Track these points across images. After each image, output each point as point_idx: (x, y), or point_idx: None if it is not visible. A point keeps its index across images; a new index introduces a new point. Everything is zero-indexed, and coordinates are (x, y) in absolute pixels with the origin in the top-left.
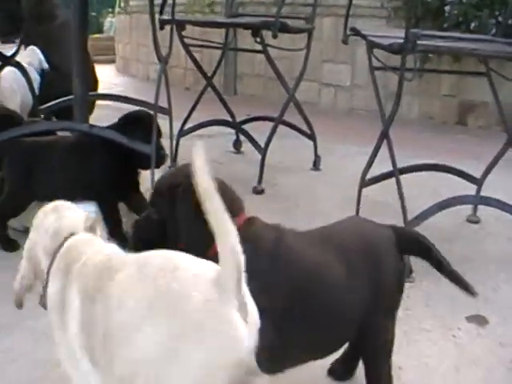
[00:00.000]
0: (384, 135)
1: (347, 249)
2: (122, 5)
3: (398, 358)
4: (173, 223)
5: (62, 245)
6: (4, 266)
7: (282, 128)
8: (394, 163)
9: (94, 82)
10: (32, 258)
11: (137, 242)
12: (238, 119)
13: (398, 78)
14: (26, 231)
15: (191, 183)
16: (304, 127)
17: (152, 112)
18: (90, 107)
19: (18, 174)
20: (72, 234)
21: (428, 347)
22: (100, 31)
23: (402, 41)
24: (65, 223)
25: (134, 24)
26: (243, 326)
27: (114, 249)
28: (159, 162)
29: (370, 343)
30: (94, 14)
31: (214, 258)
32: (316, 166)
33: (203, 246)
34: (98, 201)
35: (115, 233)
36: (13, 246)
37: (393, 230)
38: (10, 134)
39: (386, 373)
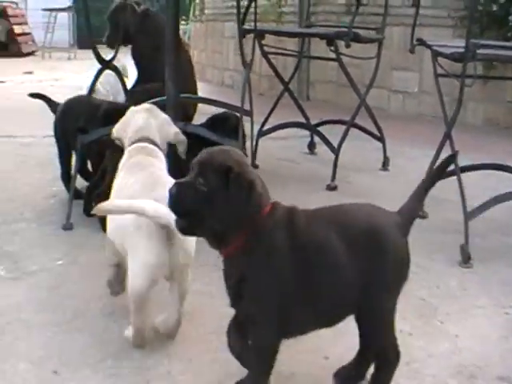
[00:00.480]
0: (447, 136)
1: (350, 226)
2: (197, 13)
3: (454, 328)
4: (223, 201)
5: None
6: None
7: (353, 131)
8: (455, 161)
9: (193, 85)
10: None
11: (177, 205)
12: (312, 122)
13: (460, 84)
14: None
15: (241, 170)
16: (374, 131)
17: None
18: (193, 108)
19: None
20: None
21: (482, 321)
22: None
23: (462, 50)
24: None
25: (209, 31)
26: None
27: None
28: None
29: (371, 313)
30: None
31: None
32: (385, 166)
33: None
34: None
35: None
36: None
37: (400, 214)
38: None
39: (390, 344)
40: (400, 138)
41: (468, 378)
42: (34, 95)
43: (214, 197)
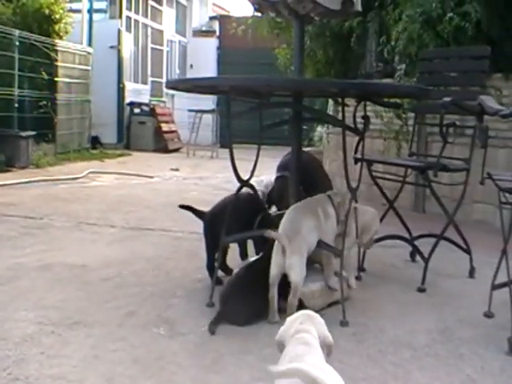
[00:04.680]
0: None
1: None
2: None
3: None
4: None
5: None
6: None
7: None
8: None
9: None
10: None
11: None
12: (416, 234)
13: None
14: None
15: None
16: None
17: None
18: None
19: None
20: None
21: None
22: (310, 145)
23: None
24: None
25: (340, 144)
26: None
27: None
28: None
29: None
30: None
31: None
32: (471, 274)
33: None
34: None
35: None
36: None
37: None
38: None
39: None
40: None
41: None
42: (182, 207)
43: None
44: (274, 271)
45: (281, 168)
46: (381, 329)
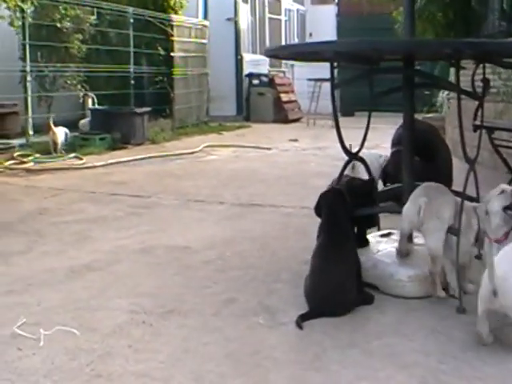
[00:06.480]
0: None
1: None
2: None
3: None
4: None
5: None
6: None
7: None
8: None
9: (447, 177)
10: None
11: None
12: None
13: None
14: None
15: None
16: None
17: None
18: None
19: None
20: None
21: None
22: (432, 110)
23: None
24: None
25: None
26: None
27: None
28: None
29: None
30: (427, 92)
31: None
32: None
33: None
34: None
35: None
36: None
37: None
38: None
39: None
40: None
41: None
42: None
43: None
44: (405, 226)
45: (395, 142)
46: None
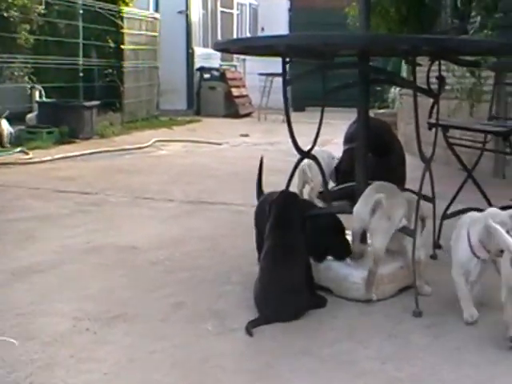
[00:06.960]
0: None
1: None
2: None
3: None
4: None
5: None
6: None
7: None
8: None
9: (400, 173)
10: None
11: None
12: (496, 202)
13: None
14: None
15: None
16: None
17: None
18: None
19: None
20: None
21: None
22: (383, 106)
23: None
24: None
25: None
26: None
27: None
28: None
29: None
30: (378, 88)
31: None
32: None
33: None
34: None
35: None
36: None
37: None
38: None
39: None
40: None
41: None
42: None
43: None
44: (357, 226)
45: (348, 140)
46: (459, 320)
